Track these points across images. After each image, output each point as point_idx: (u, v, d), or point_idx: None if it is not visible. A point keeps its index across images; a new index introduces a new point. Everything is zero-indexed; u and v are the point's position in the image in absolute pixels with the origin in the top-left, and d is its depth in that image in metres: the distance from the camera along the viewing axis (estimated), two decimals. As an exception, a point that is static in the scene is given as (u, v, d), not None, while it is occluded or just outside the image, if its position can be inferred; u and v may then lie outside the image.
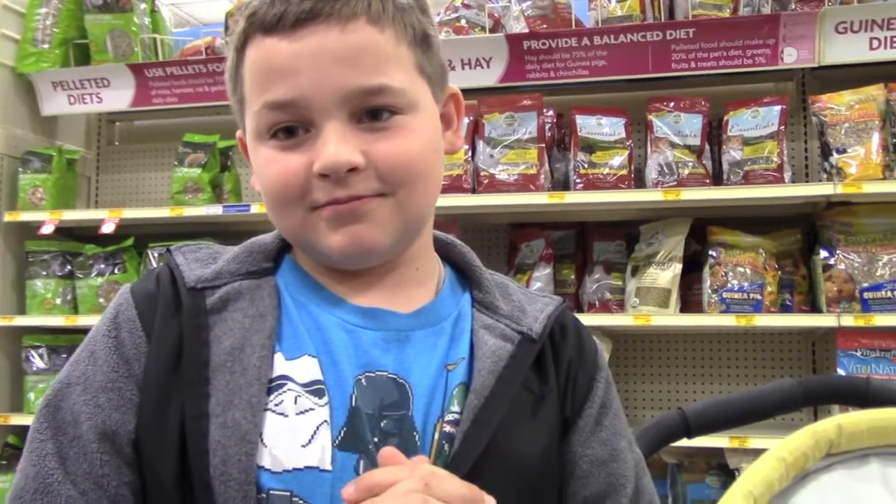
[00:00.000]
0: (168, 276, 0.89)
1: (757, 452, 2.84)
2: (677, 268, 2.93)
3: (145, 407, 0.83)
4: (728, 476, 2.94)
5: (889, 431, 0.87)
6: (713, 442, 2.74)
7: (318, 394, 0.82)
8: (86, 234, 3.52)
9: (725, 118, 2.98)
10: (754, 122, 2.91)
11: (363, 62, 0.81)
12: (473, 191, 2.99)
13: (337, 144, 0.80)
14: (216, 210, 3.21)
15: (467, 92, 3.16)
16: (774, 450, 0.87)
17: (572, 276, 3.19)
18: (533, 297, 0.96)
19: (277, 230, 0.93)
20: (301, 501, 0.78)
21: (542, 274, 3.08)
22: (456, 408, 0.84)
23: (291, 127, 0.83)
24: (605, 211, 3.12)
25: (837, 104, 2.83)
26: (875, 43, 2.81)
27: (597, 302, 3.07)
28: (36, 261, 3.50)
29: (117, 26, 3.44)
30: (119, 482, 0.81)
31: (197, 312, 0.85)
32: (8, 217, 3.42)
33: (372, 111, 0.83)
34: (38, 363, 3.44)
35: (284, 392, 0.82)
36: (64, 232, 3.51)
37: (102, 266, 3.44)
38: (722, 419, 1.10)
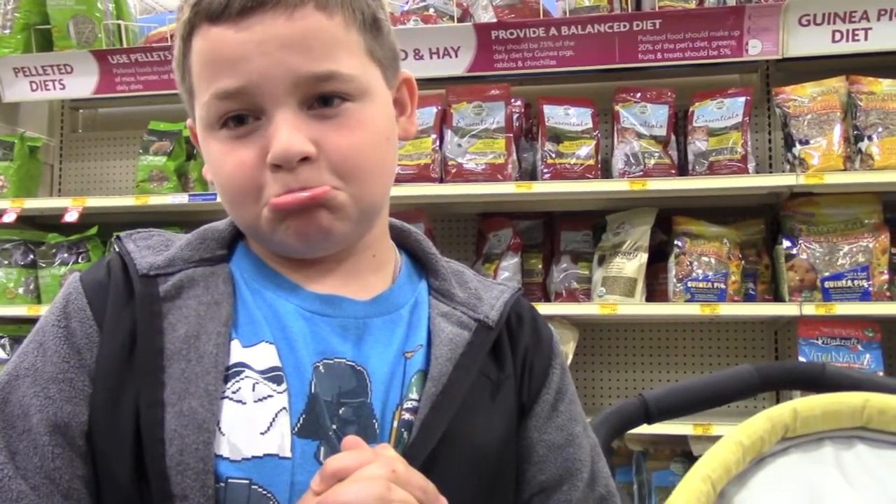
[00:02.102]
0: (119, 264, 0.87)
1: (719, 439, 2.88)
2: (643, 257, 2.95)
3: (98, 398, 0.81)
4: (692, 463, 2.92)
5: (843, 416, 0.89)
6: (677, 429, 2.77)
7: (277, 380, 0.81)
8: (49, 222, 3.47)
9: (691, 109, 3.01)
10: (719, 113, 2.94)
11: (312, 48, 0.80)
12: (441, 180, 2.99)
13: (288, 133, 0.80)
14: (182, 199, 3.18)
15: (435, 81, 3.17)
16: (732, 434, 0.88)
17: (539, 266, 3.20)
18: (489, 285, 0.96)
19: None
20: (260, 489, 0.77)
21: (510, 263, 3.09)
22: (414, 395, 0.84)
23: (241, 115, 0.82)
24: (573, 200, 3.14)
25: (800, 96, 2.87)
26: (837, 35, 2.85)
27: (563, 291, 3.09)
28: (-2, 249, 3.45)
29: (80, 12, 3.39)
30: (72, 476, 0.79)
31: (150, 300, 0.83)
32: (-31, 205, 3.37)
33: (322, 98, 0.82)
34: (1, 353, 3.40)
35: (242, 379, 0.80)
36: (26, 220, 3.47)
37: (66, 255, 3.40)
38: (681, 405, 1.11)
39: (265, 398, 0.80)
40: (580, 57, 3.00)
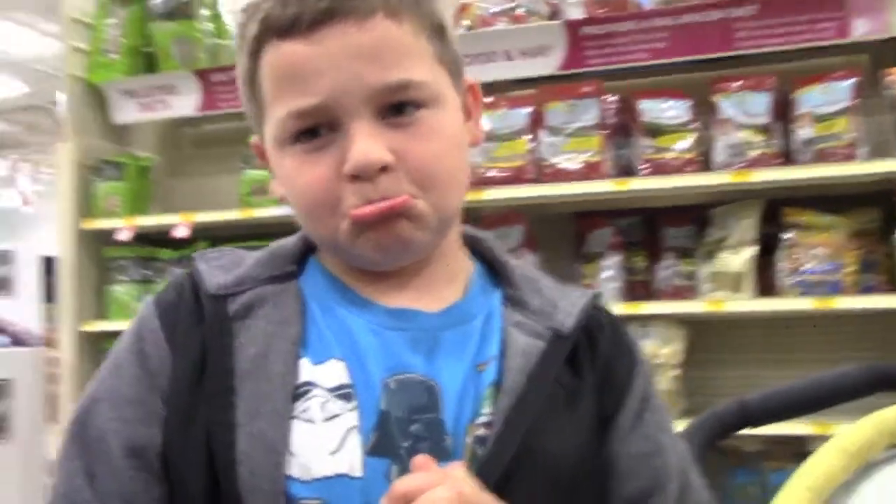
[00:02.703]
0: (190, 285, 0.88)
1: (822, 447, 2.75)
2: (751, 251, 2.85)
3: (171, 419, 0.82)
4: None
5: (959, 419, 0.83)
6: (796, 430, 2.65)
7: (346, 398, 0.81)
8: (161, 238, 3.60)
9: (794, 95, 2.88)
10: (825, 98, 2.80)
11: (384, 57, 0.79)
12: (537, 181, 2.96)
13: (365, 143, 0.79)
14: (285, 210, 3.24)
15: (527, 81, 3.13)
16: (836, 440, 0.83)
17: (643, 264, 3.13)
18: (565, 291, 0.93)
19: (303, 233, 0.92)
20: None
21: (611, 262, 3.04)
22: (487, 409, 0.82)
23: (315, 128, 0.81)
24: (673, 196, 3.05)
25: (913, 76, 2.72)
26: (952, 9, 2.68)
27: (668, 289, 3.02)
28: (115, 266, 3.59)
29: (182, 33, 3.51)
30: (148, 499, 0.80)
31: (220, 320, 0.84)
32: (85, 224, 3.52)
33: (396, 106, 0.81)
34: (108, 358, 3.54)
35: (311, 398, 0.80)
36: (140, 237, 3.60)
37: (177, 269, 3.52)
38: (783, 408, 1.06)
39: (334, 417, 0.80)
40: (674, 48, 2.91)
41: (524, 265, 0.96)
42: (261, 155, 0.92)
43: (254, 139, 0.92)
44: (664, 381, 2.88)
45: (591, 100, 2.94)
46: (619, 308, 2.83)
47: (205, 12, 3.54)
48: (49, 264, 3.23)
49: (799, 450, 2.89)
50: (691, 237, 3.08)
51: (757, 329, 3.16)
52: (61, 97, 3.71)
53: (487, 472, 0.78)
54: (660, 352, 2.90)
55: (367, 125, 0.80)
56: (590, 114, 2.93)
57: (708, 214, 3.04)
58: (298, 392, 0.81)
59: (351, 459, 0.78)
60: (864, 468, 0.83)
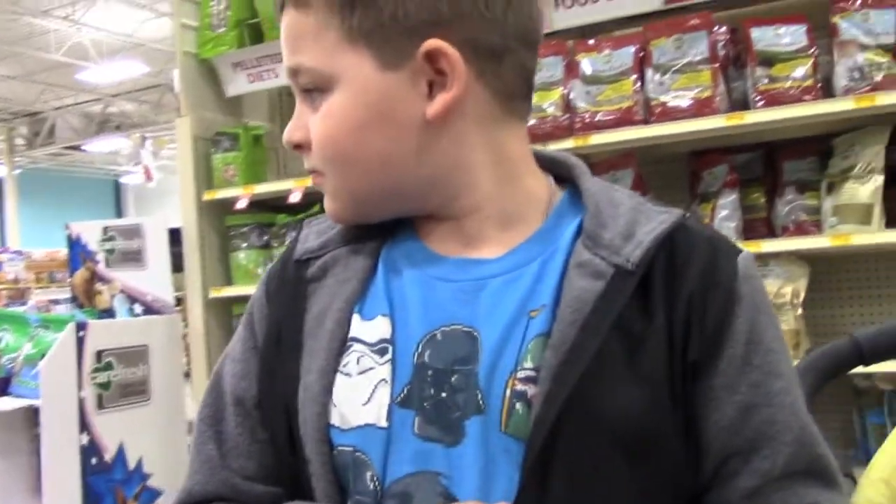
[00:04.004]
0: (290, 253, 0.96)
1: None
2: (879, 180, 2.70)
3: (261, 374, 0.92)
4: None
5: None
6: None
7: (382, 352, 0.84)
8: (277, 204, 3.70)
9: (924, 9, 2.69)
10: (957, 10, 2.61)
11: (289, 42, 0.87)
12: (646, 122, 2.87)
13: (291, 122, 0.90)
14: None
15: (632, 20, 3.03)
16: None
17: (762, 200, 3.01)
18: (650, 214, 0.84)
19: None
20: (361, 455, 0.82)
21: (728, 201, 2.93)
22: (530, 363, 0.78)
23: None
24: (793, 127, 2.90)
25: None
26: None
27: (791, 225, 2.89)
28: (236, 234, 3.72)
29: (285, 1, 3.55)
30: (252, 440, 0.91)
31: (298, 283, 0.92)
32: (207, 196, 3.65)
33: (307, 90, 0.88)
34: (245, 321, 3.68)
35: (350, 353, 0.85)
36: (258, 205, 3.71)
37: (294, 233, 3.61)
38: (898, 344, 1.00)
39: (367, 370, 0.84)
40: (787, -31, 2.76)
41: (611, 188, 0.88)
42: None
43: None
44: (788, 321, 2.77)
45: (699, 33, 2.83)
46: (738, 247, 2.73)
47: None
48: (175, 235, 3.35)
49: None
50: (814, 169, 2.93)
51: (887, 262, 3.00)
52: (177, 74, 3.84)
53: (543, 435, 0.75)
54: (782, 290, 2.79)
55: (300, 103, 0.89)
56: (699, 47, 2.82)
57: (830, 145, 2.89)
58: (344, 347, 0.86)
59: (378, 410, 0.82)
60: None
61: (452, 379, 0.81)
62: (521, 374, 0.79)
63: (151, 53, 13.70)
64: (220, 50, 3.68)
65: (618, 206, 0.85)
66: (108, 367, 2.59)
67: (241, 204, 3.57)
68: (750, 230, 2.93)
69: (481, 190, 0.87)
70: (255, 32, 3.70)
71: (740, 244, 2.79)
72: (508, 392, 0.78)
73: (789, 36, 2.81)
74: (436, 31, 0.81)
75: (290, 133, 0.89)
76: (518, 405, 0.78)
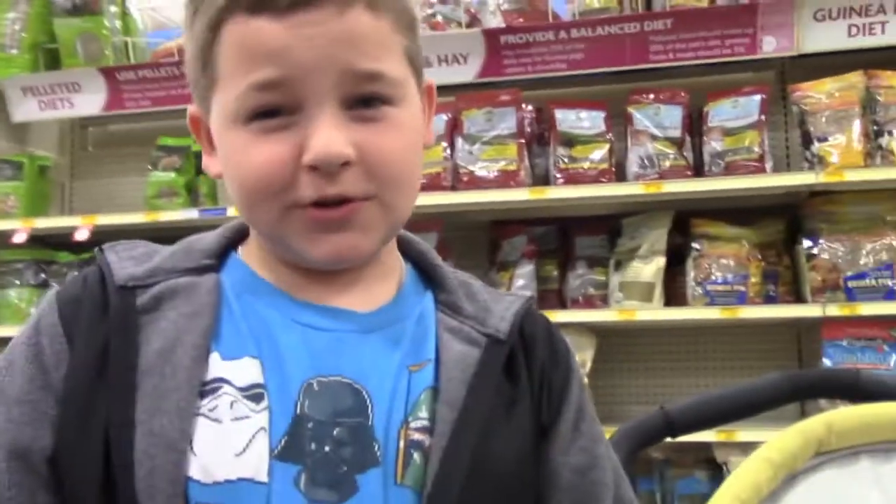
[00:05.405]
0: (97, 277, 0.81)
1: (745, 446, 2.83)
2: (660, 261, 2.90)
3: (65, 419, 0.76)
4: (716, 470, 2.91)
5: (880, 428, 0.84)
6: (700, 436, 2.69)
7: (256, 399, 0.75)
8: (60, 241, 3.45)
9: (706, 109, 2.96)
10: (734, 112, 2.88)
11: (360, 46, 0.75)
12: (453, 188, 2.95)
13: (329, 133, 0.74)
14: (192, 214, 3.16)
15: (445, 88, 3.12)
16: (761, 451, 0.83)
17: (555, 273, 3.16)
18: (498, 296, 0.90)
19: (223, 229, 0.87)
20: None
21: (525, 271, 3.05)
22: (424, 413, 0.78)
23: (274, 109, 0.76)
24: (587, 205, 3.09)
25: (818, 92, 2.81)
26: (854, 30, 2.79)
27: (580, 298, 3.04)
28: (9, 270, 3.44)
29: (87, 29, 3.38)
30: None
31: (126, 313, 0.78)
32: (-21, 226, 3.36)
33: (363, 99, 0.77)
34: (3, 352, 3.39)
35: (220, 396, 0.75)
36: (37, 240, 3.45)
37: (77, 274, 3.38)
38: (706, 417, 1.06)
39: (242, 418, 0.75)
40: (591, 60, 2.95)
41: (455, 270, 0.93)
42: (195, 127, 0.86)
43: (192, 109, 0.86)
44: (577, 390, 2.90)
45: (508, 108, 2.96)
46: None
47: (113, 9, 3.41)
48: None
49: (703, 456, 2.95)
50: (604, 247, 3.12)
51: (665, 338, 3.22)
52: (-45, 92, 3.54)
53: (443, 487, 0.75)
54: (573, 360, 2.92)
55: (331, 114, 0.75)
56: (507, 122, 2.94)
57: (619, 225, 3.09)
58: (206, 388, 0.75)
59: (257, 463, 0.73)
60: (788, 478, 0.83)
61: (335, 432, 0.75)
62: (414, 425, 0.77)
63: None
64: (11, 72, 3.43)
65: (470, 285, 0.89)
66: None
67: (19, 238, 3.31)
68: (543, 301, 3.05)
69: None
70: (51, 58, 3.48)
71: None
72: (402, 443, 0.77)
73: (589, 120, 3.00)
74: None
75: (342, 147, 0.74)
76: (415, 455, 0.77)
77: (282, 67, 0.74)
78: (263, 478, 0.73)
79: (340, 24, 0.75)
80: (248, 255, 0.86)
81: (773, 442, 0.83)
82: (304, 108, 0.75)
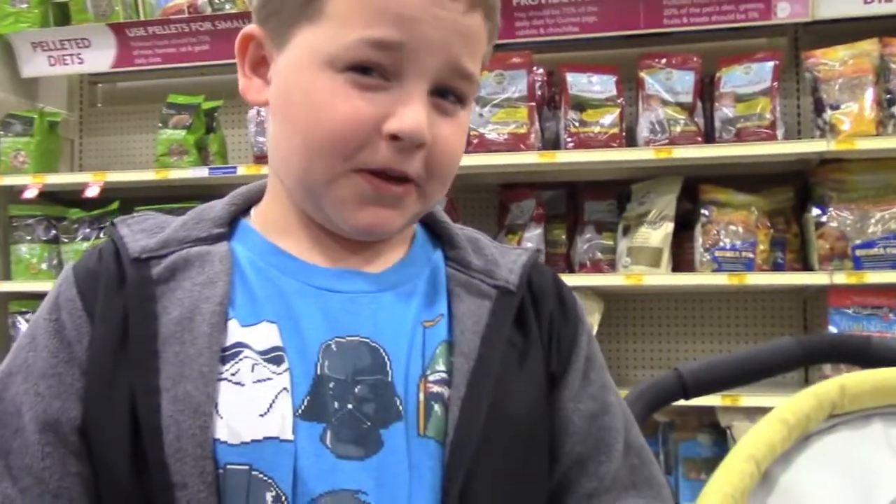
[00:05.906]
0: (111, 250, 0.84)
1: (748, 411, 2.87)
2: (669, 227, 2.91)
3: (91, 391, 0.78)
4: (719, 434, 2.94)
5: (892, 391, 0.85)
6: (704, 401, 2.72)
7: (277, 361, 0.78)
8: (70, 198, 3.47)
9: (718, 75, 2.94)
10: (747, 78, 2.87)
11: (471, 45, 0.80)
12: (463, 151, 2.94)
13: (420, 111, 0.77)
14: (202, 172, 3.16)
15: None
16: (776, 412, 0.85)
17: (563, 237, 3.17)
18: (505, 250, 0.93)
19: (231, 196, 0.89)
20: (260, 475, 0.74)
21: (533, 234, 3.06)
22: (441, 367, 0.81)
23: (374, 68, 0.77)
24: (596, 170, 3.09)
25: (831, 59, 2.80)
26: (869, -4, 2.77)
27: (588, 262, 3.06)
28: (20, 225, 3.45)
29: (97, -16, 3.36)
30: (63, 474, 0.77)
31: (142, 284, 0.80)
32: (-11, 181, 3.37)
33: (446, 92, 0.80)
34: (25, 329, 3.41)
35: (241, 360, 0.77)
36: (48, 196, 3.46)
37: (87, 230, 3.40)
38: (719, 380, 1.07)
39: (264, 380, 0.77)
40: (603, 23, 2.94)
41: (463, 227, 0.95)
42: (244, 46, 0.85)
43: (252, 28, 0.84)
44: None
45: (519, 71, 2.94)
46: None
47: (123, -37, 3.40)
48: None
49: (707, 421, 2.98)
50: (612, 212, 3.12)
51: (672, 303, 3.24)
52: (-36, 46, 3.53)
53: (462, 437, 0.77)
54: (581, 323, 2.94)
55: (423, 93, 0.78)
56: (518, 85, 2.93)
57: (629, 190, 3.09)
58: (227, 354, 0.78)
59: (281, 422, 0.75)
60: (802, 439, 0.85)
61: (356, 390, 0.78)
62: (432, 377, 0.80)
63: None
64: (20, 26, 3.42)
65: (478, 240, 0.92)
66: None
67: (30, 193, 3.32)
68: (551, 264, 3.07)
69: None
70: (60, 13, 3.47)
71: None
72: (422, 396, 0.79)
73: (600, 84, 2.99)
74: None
75: (425, 131, 0.77)
76: (436, 406, 0.79)
77: (404, 34, 0.76)
78: (289, 436, 0.75)
79: (466, 19, 0.78)
80: (258, 221, 0.88)
81: (788, 404, 0.85)
82: (403, 80, 0.78)
